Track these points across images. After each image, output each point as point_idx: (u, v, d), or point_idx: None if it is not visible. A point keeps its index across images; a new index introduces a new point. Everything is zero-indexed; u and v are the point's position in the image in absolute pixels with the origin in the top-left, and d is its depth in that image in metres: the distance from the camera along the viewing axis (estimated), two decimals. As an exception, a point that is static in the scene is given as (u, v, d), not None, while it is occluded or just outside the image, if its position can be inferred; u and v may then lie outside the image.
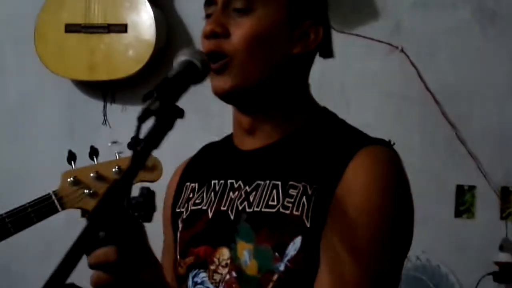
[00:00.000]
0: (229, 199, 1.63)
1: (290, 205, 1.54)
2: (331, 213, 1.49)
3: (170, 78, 1.29)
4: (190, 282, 1.62)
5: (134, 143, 1.18)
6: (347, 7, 3.27)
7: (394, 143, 1.63)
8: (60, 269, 1.08)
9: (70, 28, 3.29)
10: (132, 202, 1.26)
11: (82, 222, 1.88)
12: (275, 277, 1.51)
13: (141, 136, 1.19)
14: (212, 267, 1.61)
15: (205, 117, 3.16)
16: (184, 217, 1.69)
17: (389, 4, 3.25)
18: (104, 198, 1.19)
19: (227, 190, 1.64)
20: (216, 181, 1.67)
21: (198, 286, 1.62)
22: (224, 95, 1.55)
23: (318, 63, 3.19)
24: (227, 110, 1.69)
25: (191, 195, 1.71)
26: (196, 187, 1.71)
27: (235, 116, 1.64)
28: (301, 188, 1.53)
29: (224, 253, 1.60)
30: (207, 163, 1.75)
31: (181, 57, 1.37)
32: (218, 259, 1.60)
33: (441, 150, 3.20)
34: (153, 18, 3.23)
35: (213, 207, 1.63)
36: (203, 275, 1.62)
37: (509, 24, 3.20)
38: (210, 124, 3.15)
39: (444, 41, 3.24)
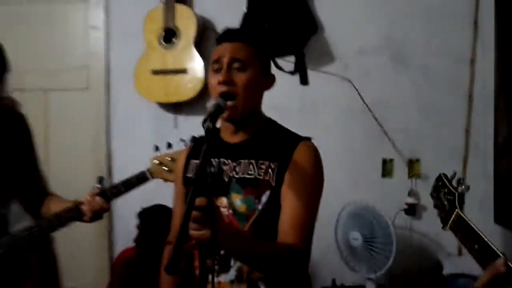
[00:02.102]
0: (223, 169, 1.78)
1: (262, 173, 1.71)
2: (286, 178, 1.68)
3: (212, 112, 1.56)
4: None
5: (206, 144, 1.43)
6: (317, 55, 3.37)
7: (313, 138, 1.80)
8: (186, 216, 1.34)
9: (154, 72, 3.42)
10: (212, 173, 1.44)
11: (164, 184, 2.14)
12: (256, 212, 1.70)
13: (206, 140, 1.44)
14: (220, 206, 1.75)
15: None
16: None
17: (340, 53, 3.39)
18: (196, 173, 1.42)
19: (220, 164, 1.78)
20: (213, 159, 1.77)
21: None
22: (233, 120, 1.73)
23: (302, 88, 3.43)
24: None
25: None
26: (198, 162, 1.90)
27: (223, 123, 1.80)
28: (267, 164, 1.71)
29: (223, 200, 1.74)
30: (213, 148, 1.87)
31: (213, 101, 1.61)
32: (220, 204, 1.74)
33: (373, 139, 3.34)
34: (202, 64, 3.35)
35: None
36: None
37: (410, 65, 3.32)
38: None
39: (374, 75, 3.36)
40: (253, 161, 1.73)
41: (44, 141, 3.67)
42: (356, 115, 3.37)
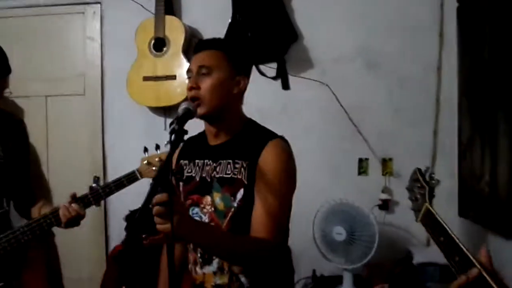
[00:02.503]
0: (206, 170, 1.85)
1: (237, 173, 1.76)
2: (257, 175, 1.73)
3: (180, 115, 1.62)
4: (190, 213, 1.83)
5: (170, 145, 1.49)
6: (296, 62, 3.47)
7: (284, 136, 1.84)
8: (142, 208, 1.39)
9: (146, 78, 3.51)
10: (173, 171, 1.58)
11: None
12: (232, 209, 1.76)
13: (171, 140, 1.48)
14: (202, 205, 1.83)
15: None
16: (183, 179, 1.91)
17: (319, 60, 3.50)
18: (159, 171, 1.46)
19: (204, 165, 1.85)
20: (198, 161, 1.88)
21: (195, 215, 1.83)
22: (201, 117, 1.79)
23: (284, 92, 3.49)
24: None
25: (184, 167, 1.92)
26: (187, 162, 1.92)
27: (207, 127, 1.89)
28: (241, 163, 1.76)
29: (208, 198, 1.82)
30: (192, 149, 1.93)
31: (184, 106, 1.67)
32: (205, 201, 1.82)
33: (349, 139, 3.44)
34: None
35: (198, 175, 1.86)
36: (197, 209, 1.84)
37: (383, 71, 3.43)
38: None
39: (350, 80, 3.46)
40: (230, 161, 1.79)
41: (45, 142, 3.79)
42: (333, 118, 3.47)
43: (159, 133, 3.61)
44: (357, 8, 3.49)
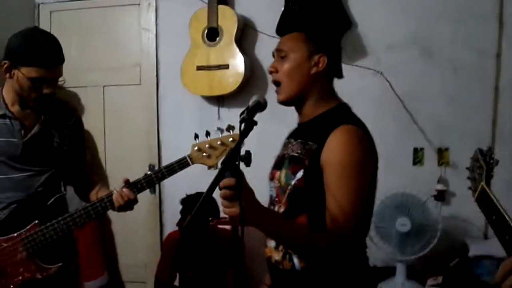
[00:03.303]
0: (287, 147, 1.86)
1: (304, 153, 1.74)
2: (323, 165, 1.67)
3: (251, 107, 1.63)
4: (268, 187, 1.89)
5: (240, 133, 1.50)
6: (350, 50, 3.46)
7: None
8: (209, 190, 1.40)
9: (199, 68, 3.60)
10: (241, 157, 1.49)
11: (209, 171, 2.15)
12: (290, 187, 1.75)
13: (240, 130, 1.50)
14: (273, 180, 1.86)
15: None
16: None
17: (373, 48, 3.52)
18: (228, 155, 1.47)
19: (289, 143, 1.86)
20: (290, 138, 1.88)
21: (270, 188, 1.87)
22: (281, 103, 1.82)
23: (337, 80, 3.47)
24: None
25: (282, 146, 1.92)
26: (285, 140, 1.92)
27: (295, 109, 1.87)
28: (310, 145, 1.74)
29: (277, 173, 1.84)
30: (293, 130, 1.93)
31: (254, 98, 1.68)
32: (275, 176, 1.85)
33: (404, 129, 3.45)
34: (243, 60, 3.51)
35: (282, 151, 1.89)
36: (272, 184, 1.87)
37: (439, 57, 3.42)
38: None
39: (405, 68, 3.45)
40: (304, 141, 1.77)
41: (102, 131, 3.92)
42: (388, 106, 3.48)
43: (213, 121, 3.68)
44: (410, -6, 3.50)
